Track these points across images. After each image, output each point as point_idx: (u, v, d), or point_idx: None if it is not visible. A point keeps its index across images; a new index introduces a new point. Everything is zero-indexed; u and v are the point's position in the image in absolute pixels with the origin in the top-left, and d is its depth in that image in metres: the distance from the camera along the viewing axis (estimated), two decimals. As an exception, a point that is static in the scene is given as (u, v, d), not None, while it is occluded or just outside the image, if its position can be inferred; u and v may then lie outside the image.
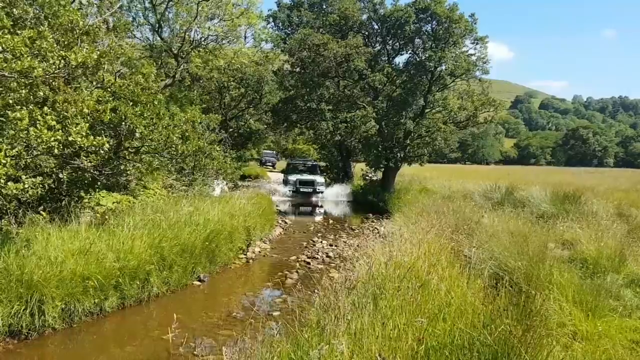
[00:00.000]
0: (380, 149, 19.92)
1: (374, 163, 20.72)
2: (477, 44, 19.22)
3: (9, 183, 5.34)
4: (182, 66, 19.44)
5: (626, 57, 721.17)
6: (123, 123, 7.52)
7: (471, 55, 19.34)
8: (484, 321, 3.59)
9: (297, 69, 22.70)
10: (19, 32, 5.25)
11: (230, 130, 25.48)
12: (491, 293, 4.25)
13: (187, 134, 8.79)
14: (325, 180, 26.08)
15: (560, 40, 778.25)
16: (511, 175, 32.60)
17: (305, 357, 3.13)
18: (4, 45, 4.95)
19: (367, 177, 24.60)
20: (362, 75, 19.73)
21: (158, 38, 20.11)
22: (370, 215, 19.11)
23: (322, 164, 30.42)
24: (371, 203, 21.13)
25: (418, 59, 19.55)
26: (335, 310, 3.73)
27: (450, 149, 23.17)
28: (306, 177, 25.15)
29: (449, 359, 3.34)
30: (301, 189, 24.27)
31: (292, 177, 24.80)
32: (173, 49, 19.39)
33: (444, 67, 19.09)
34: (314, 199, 24.95)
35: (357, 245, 10.53)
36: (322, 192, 24.79)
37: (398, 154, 19.96)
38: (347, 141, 25.59)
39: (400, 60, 23.98)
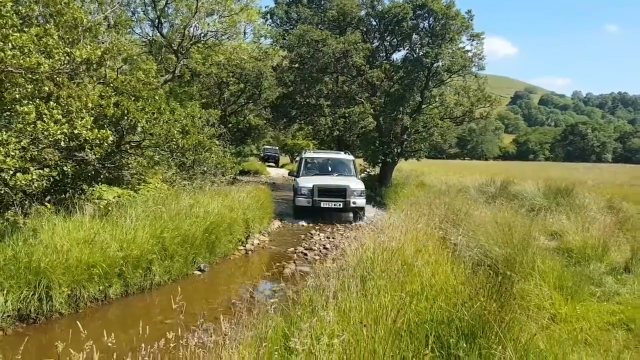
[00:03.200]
0: (377, 144, 20.20)
1: (372, 158, 21.01)
2: (473, 40, 19.49)
3: (17, 174, 5.62)
4: (181, 62, 19.69)
5: (627, 53, 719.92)
6: (125, 117, 7.80)
7: (467, 51, 19.61)
8: (462, 299, 3.88)
9: (296, 65, 22.94)
10: (25, 29, 5.52)
11: (230, 125, 25.62)
12: (473, 276, 4.54)
13: (187, 128, 9.06)
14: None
15: (562, 37, 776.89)
16: (509, 170, 32.97)
17: (297, 331, 3.42)
18: (13, 43, 5.24)
19: (364, 172, 24.88)
20: (360, 71, 19.98)
21: (158, 34, 20.34)
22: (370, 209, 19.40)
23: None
24: (368, 197, 21.43)
25: (415, 55, 19.80)
26: (325, 290, 4.04)
27: (448, 144, 23.47)
28: (331, 181, 15.45)
29: (429, 333, 3.64)
30: (322, 204, 14.66)
31: (306, 183, 15.19)
32: (173, 45, 19.63)
33: (440, 63, 19.34)
34: (355, 221, 14.94)
35: (354, 238, 10.82)
36: (361, 209, 15.19)
37: (395, 149, 20.23)
38: (345, 137, 25.88)
39: (398, 56, 24.14)
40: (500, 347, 3.71)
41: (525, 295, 5.77)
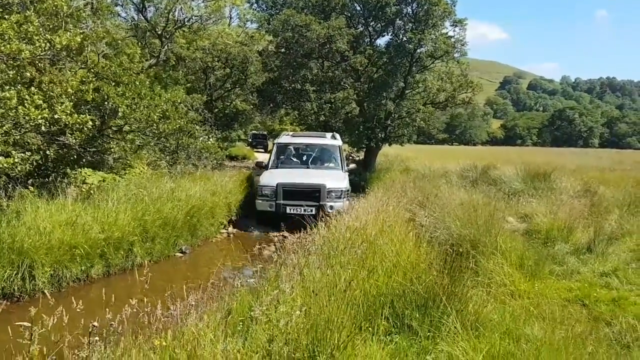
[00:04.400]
0: (362, 130, 20.45)
1: (356, 143, 21.27)
2: (456, 26, 19.69)
3: (0, 158, 5.81)
4: (166, 46, 19.67)
5: (616, 38, 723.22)
6: (106, 102, 7.96)
7: (450, 37, 19.81)
8: (417, 274, 4.19)
9: (282, 50, 22.95)
10: (6, 17, 5.66)
11: (216, 110, 25.60)
12: (430, 253, 4.86)
13: (167, 113, 9.24)
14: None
15: (552, 22, 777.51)
16: (495, 155, 33.40)
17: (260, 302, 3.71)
18: (-7, 31, 5.39)
19: (350, 157, 25.14)
20: (344, 56, 20.11)
21: (142, 18, 20.24)
22: (351, 193, 19.72)
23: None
24: (352, 182, 21.72)
25: (398, 41, 19.97)
26: (290, 266, 4.33)
27: (436, 129, 23.80)
28: (301, 178, 12.04)
29: (385, 304, 3.95)
30: (288, 209, 11.28)
31: (269, 180, 11.86)
32: (157, 29, 19.58)
33: (423, 49, 19.55)
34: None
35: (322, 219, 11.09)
36: (339, 211, 10.14)
37: (379, 134, 20.51)
38: (331, 122, 26.03)
39: (382, 41, 24.16)
40: (450, 318, 4.04)
41: (487, 273, 6.11)
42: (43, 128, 6.10)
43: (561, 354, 3.67)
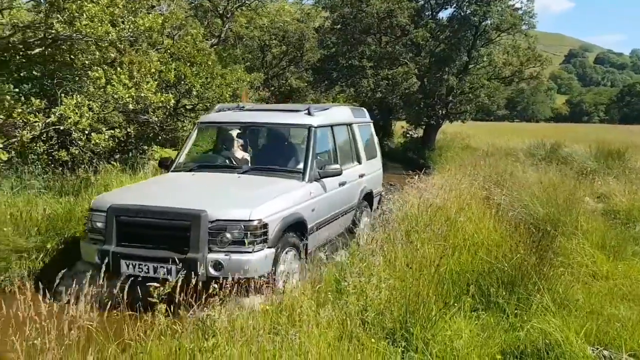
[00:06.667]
0: (421, 106, 20.06)
1: (415, 120, 20.91)
2: (524, -3, 18.75)
3: (92, 134, 6.24)
4: (227, 25, 19.99)
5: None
6: (182, 82, 8.28)
7: (518, 9, 18.89)
8: (503, 252, 4.15)
9: (338, 26, 22.75)
10: (94, 0, 6.02)
11: (272, 88, 25.83)
12: (514, 232, 4.78)
13: (237, 92, 9.49)
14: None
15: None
16: (560, 133, 31.91)
17: (348, 274, 3.83)
18: (87, 13, 5.76)
19: (407, 135, 24.80)
20: (404, 31, 19.67)
21: (204, -2, 20.62)
22: (410, 171, 19.50)
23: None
24: (410, 159, 21.41)
25: (462, 14, 19.26)
26: (372, 240, 4.42)
27: (497, 105, 23.05)
28: (163, 198, 4.72)
29: (470, 281, 3.95)
30: (123, 265, 4.31)
31: (108, 198, 4.84)
32: (219, 9, 19.91)
33: (489, 22, 18.77)
34: None
35: (397, 198, 11.09)
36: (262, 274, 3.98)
37: (440, 111, 20.06)
38: (388, 98, 25.66)
39: (444, 14, 23.25)
40: (538, 296, 3.98)
41: (567, 253, 5.94)
42: (131, 106, 6.49)
43: (656, 335, 3.56)
